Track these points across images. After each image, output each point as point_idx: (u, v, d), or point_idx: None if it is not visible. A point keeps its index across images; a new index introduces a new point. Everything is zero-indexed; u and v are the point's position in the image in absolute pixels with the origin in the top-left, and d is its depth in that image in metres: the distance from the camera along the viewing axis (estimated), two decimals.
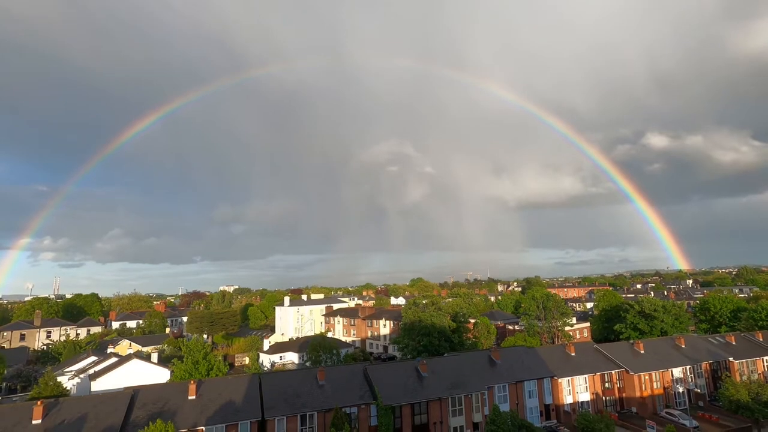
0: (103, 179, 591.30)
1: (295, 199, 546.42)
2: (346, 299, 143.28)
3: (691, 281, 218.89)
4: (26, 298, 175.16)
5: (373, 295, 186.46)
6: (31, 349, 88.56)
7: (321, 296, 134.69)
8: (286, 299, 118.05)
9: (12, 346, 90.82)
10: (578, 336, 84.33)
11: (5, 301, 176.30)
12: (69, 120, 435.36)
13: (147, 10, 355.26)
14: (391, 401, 39.82)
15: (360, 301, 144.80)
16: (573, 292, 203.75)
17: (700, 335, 67.45)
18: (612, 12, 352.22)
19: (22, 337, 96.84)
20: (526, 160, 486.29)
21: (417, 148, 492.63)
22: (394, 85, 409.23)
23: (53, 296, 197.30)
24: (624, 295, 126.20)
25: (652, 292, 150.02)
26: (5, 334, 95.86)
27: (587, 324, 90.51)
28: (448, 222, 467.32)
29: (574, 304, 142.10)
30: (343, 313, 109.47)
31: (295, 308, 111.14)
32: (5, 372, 62.10)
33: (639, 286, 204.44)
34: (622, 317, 73.05)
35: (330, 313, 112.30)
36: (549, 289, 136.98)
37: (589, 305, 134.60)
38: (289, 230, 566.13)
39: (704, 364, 55.40)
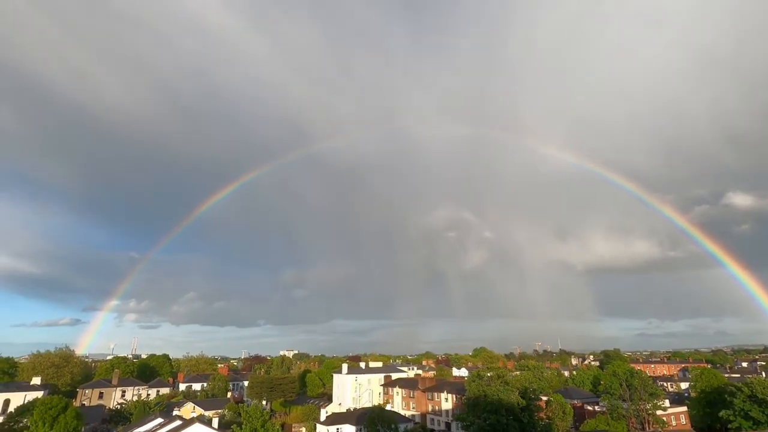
0: (183, 246, 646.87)
1: (356, 264, 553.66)
2: (405, 368, 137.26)
3: None
4: (108, 357, 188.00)
5: (433, 365, 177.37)
6: (107, 407, 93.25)
7: (379, 364, 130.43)
8: (344, 366, 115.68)
9: (91, 404, 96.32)
10: (674, 423, 72.78)
11: (90, 360, 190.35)
12: (159, 193, 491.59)
13: (230, 98, 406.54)
14: None
15: (420, 371, 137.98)
16: (662, 369, 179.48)
17: None
18: (670, 71, 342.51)
19: (101, 396, 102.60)
20: (591, 223, 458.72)
21: (475, 213, 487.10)
22: (449, 152, 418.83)
23: (131, 356, 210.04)
24: (727, 375, 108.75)
25: (763, 372, 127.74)
26: (87, 391, 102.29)
27: (684, 408, 78.22)
28: (511, 288, 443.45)
29: (664, 383, 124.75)
30: (402, 383, 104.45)
31: (353, 376, 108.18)
32: (83, 430, 65.40)
33: (745, 364, 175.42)
34: (728, 402, 62.35)
35: (388, 383, 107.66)
36: (632, 365, 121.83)
37: (684, 385, 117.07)
38: (348, 295, 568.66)
39: None
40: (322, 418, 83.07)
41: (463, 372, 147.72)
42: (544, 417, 65.45)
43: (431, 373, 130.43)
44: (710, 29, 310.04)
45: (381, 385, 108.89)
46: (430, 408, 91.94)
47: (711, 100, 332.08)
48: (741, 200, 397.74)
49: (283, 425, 79.39)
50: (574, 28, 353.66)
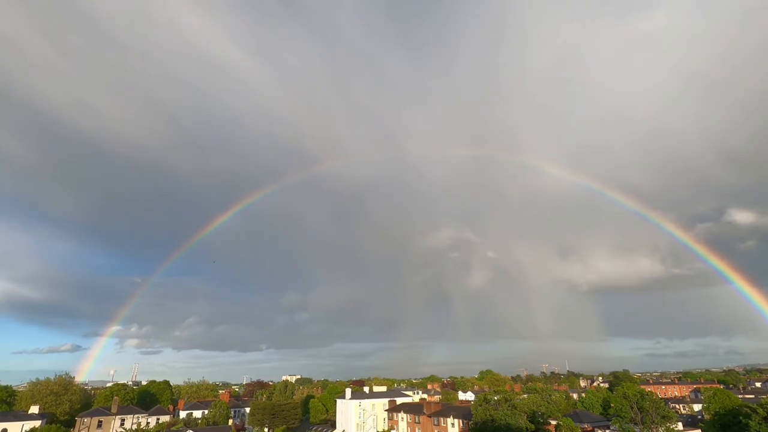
0: (185, 270, 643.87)
1: (358, 287, 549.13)
2: (410, 392, 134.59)
3: None
4: (108, 384, 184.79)
5: (438, 389, 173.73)
6: None
7: (383, 388, 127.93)
8: (348, 391, 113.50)
9: None
10: None
11: (89, 387, 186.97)
12: (161, 217, 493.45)
13: (232, 123, 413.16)
14: None
15: (425, 395, 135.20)
16: (673, 390, 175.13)
17: None
18: (669, 92, 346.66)
19: (100, 424, 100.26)
20: (594, 241, 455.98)
21: (477, 234, 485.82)
22: (451, 174, 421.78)
23: (131, 382, 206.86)
24: (741, 396, 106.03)
25: None
26: (85, 420, 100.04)
27: (698, 431, 75.95)
28: (515, 309, 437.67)
29: (676, 405, 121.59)
30: (407, 408, 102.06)
31: (356, 402, 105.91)
32: None
33: (758, 384, 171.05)
34: (744, 424, 60.54)
35: (393, 408, 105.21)
36: (642, 386, 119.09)
37: (697, 407, 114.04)
38: (351, 318, 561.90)
39: None
40: None
41: (470, 396, 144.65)
42: None
43: (437, 398, 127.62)
44: (707, 53, 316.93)
45: (385, 411, 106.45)
46: None
47: (709, 120, 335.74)
48: (743, 217, 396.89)
49: None
50: (573, 51, 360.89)
